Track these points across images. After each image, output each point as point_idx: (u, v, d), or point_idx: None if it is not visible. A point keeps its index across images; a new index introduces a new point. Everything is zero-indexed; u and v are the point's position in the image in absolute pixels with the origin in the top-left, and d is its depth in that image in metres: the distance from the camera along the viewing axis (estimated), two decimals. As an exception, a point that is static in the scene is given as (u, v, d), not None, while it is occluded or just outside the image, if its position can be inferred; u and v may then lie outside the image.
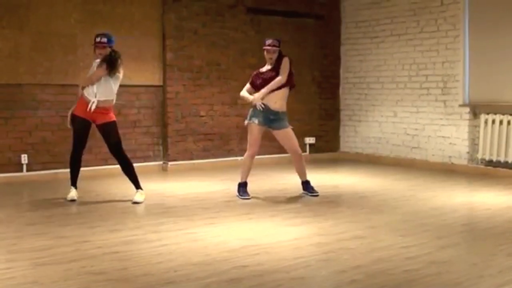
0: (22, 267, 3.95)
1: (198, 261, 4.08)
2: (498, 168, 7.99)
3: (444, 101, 8.61)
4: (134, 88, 8.26)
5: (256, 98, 6.34)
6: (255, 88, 6.45)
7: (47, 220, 5.38)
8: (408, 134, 9.15)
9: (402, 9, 9.11)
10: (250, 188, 6.50)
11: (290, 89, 6.48)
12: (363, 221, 5.34)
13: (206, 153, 8.91)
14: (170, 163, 8.57)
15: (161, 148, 8.63)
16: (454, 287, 3.61)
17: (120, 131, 6.33)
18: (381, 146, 9.55)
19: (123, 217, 5.55)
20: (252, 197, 6.37)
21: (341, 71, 10.15)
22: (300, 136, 9.06)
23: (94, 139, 6.64)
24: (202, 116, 8.86)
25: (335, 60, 10.11)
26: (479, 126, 8.19)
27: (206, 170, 8.55)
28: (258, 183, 7.16)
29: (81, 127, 6.16)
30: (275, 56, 6.42)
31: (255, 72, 6.58)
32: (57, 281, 3.68)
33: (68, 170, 6.35)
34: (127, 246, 4.49)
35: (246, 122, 6.45)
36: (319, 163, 9.14)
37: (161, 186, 7.30)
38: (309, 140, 9.84)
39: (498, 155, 7.96)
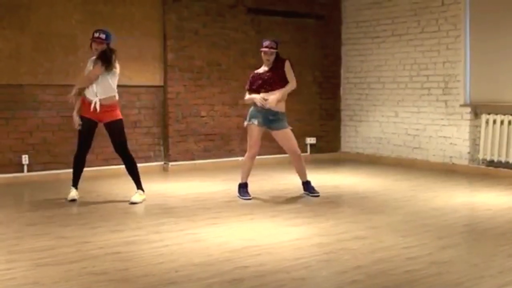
0: (23, 268, 3.95)
1: (200, 262, 4.08)
2: (499, 169, 7.99)
3: (445, 101, 8.60)
4: (134, 89, 8.27)
5: (271, 101, 6.22)
6: (254, 90, 6.37)
7: (48, 220, 5.39)
8: (409, 134, 9.15)
9: (403, 9, 9.11)
10: (251, 188, 6.50)
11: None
12: (364, 221, 5.34)
13: (207, 154, 8.92)
14: (171, 163, 8.57)
15: (162, 148, 8.63)
16: (455, 287, 3.61)
17: (122, 131, 6.34)
18: (382, 146, 9.54)
19: (125, 217, 5.55)
20: (253, 198, 6.37)
21: (342, 71, 10.15)
22: (301, 136, 9.08)
23: (95, 139, 6.63)
24: (203, 117, 8.87)
25: (335, 60, 10.11)
26: (480, 126, 8.19)
27: (207, 171, 8.55)
28: (259, 183, 7.17)
29: (87, 128, 6.16)
30: (272, 58, 6.37)
31: (252, 74, 6.52)
32: (58, 281, 3.68)
33: (70, 170, 6.34)
34: (129, 246, 4.49)
35: (245, 123, 6.44)
36: (319, 164, 9.14)
37: (162, 186, 7.30)
38: (310, 140, 9.84)
39: (499, 155, 7.96)
